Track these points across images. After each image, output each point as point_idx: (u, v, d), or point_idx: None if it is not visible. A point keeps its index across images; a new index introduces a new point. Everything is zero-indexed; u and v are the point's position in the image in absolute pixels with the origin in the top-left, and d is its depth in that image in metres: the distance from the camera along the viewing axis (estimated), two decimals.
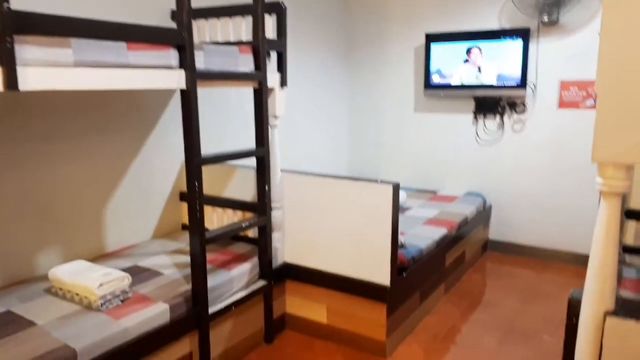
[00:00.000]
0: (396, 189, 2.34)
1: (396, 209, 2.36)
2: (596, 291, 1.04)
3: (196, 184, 2.11)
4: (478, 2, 3.85)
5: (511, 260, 3.90)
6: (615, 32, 0.89)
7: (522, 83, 3.64)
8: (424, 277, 2.84)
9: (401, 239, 2.69)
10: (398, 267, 2.48)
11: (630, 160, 0.93)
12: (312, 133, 4.16)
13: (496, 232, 4.06)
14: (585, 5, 3.42)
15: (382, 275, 2.40)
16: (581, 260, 3.71)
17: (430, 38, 3.95)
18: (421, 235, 3.03)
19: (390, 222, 2.35)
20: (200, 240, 2.15)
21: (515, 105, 3.82)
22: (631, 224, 2.45)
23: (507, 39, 3.64)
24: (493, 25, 3.80)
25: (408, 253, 2.66)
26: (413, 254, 2.69)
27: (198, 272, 2.17)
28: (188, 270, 2.24)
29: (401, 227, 2.83)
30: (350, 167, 4.70)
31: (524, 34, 3.57)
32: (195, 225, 2.15)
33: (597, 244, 1.03)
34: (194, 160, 2.09)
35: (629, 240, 2.46)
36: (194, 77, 2.03)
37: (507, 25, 3.74)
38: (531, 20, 3.59)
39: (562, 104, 3.64)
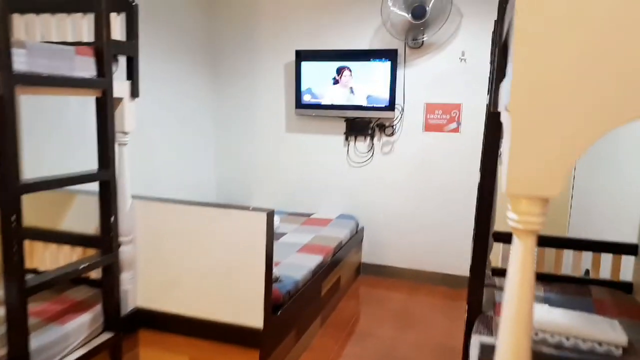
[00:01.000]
0: (270, 216, 2.08)
1: (270, 239, 2.09)
2: (511, 345, 0.87)
3: (13, 217, 1.62)
4: (352, 21, 3.81)
5: (384, 284, 3.86)
6: (530, 53, 0.74)
7: (391, 105, 3.66)
8: (300, 312, 2.60)
9: (275, 271, 2.43)
10: (272, 304, 2.20)
11: (552, 193, 0.78)
12: (171, 152, 3.73)
13: (369, 254, 4.01)
14: (446, 29, 3.55)
15: (254, 317, 2.10)
16: (450, 281, 3.80)
17: (301, 55, 3.81)
18: (296, 264, 2.80)
19: (263, 255, 2.07)
20: (19, 290, 1.65)
21: (384, 127, 3.83)
22: (497, 245, 2.49)
23: (376, 61, 3.64)
24: (366, 45, 3.79)
25: (283, 287, 2.40)
26: (288, 288, 2.43)
27: (16, 331, 1.66)
28: (3, 329, 1.72)
29: (275, 257, 2.57)
30: (217, 191, 4.34)
31: (392, 56, 3.60)
32: (12, 270, 1.65)
33: (511, 292, 0.86)
34: (10, 188, 1.61)
35: (495, 262, 2.49)
36: (11, 80, 1.57)
37: (379, 46, 3.75)
38: (400, 42, 3.64)
39: (428, 127, 3.73)
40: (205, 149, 4.16)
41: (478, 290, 2.23)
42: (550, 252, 2.63)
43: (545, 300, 2.27)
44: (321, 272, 2.93)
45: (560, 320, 1.98)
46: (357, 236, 3.80)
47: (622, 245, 2.45)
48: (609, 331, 1.88)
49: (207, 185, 4.23)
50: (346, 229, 3.61)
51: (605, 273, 2.47)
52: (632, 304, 2.25)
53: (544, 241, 2.66)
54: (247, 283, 2.10)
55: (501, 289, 2.36)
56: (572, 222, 3.70)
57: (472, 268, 2.25)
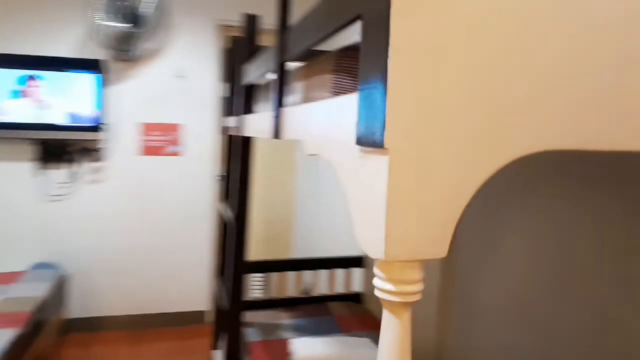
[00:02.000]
0: None
1: None
2: None
3: None
4: (46, 22, 3.02)
5: (102, 339, 3.19)
6: (408, 84, 0.53)
7: (97, 125, 3.06)
8: None
9: None
10: None
11: (442, 252, 0.60)
12: None
13: (80, 308, 3.25)
14: (162, 42, 3.20)
15: None
16: (181, 319, 3.43)
17: None
18: None
19: None
20: None
21: (90, 151, 3.18)
22: None
23: (77, 72, 2.99)
24: (66, 52, 3.05)
25: None
26: None
27: None
28: None
29: None
30: None
31: (96, 67, 3.02)
32: None
33: None
34: None
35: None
36: None
37: (85, 55, 3.07)
38: (109, 52, 3.08)
39: (145, 150, 3.29)
40: None
41: (235, 335, 1.98)
42: (285, 275, 2.61)
43: (295, 328, 2.20)
44: (15, 350, 2.15)
45: (320, 351, 1.92)
46: (61, 289, 3.02)
47: (350, 259, 2.62)
48: (364, 352, 1.91)
49: None
50: (45, 282, 2.81)
51: (334, 287, 2.59)
52: (367, 314, 2.41)
53: (275, 266, 2.64)
54: None
55: (252, 325, 2.20)
56: (298, 243, 3.88)
57: (231, 309, 1.99)
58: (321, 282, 2.61)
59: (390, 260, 0.59)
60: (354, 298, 2.59)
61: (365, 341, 1.99)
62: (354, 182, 0.66)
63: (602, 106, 0.63)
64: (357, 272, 2.62)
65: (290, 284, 2.62)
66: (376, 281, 0.63)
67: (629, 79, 0.64)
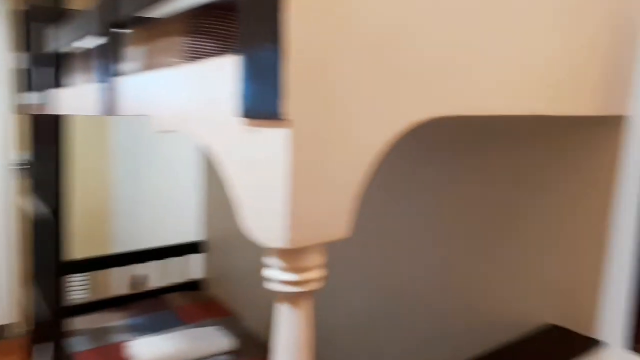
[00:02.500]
0: None
1: None
2: None
3: None
4: None
5: None
6: (309, 46, 0.48)
7: None
8: None
9: None
10: None
11: (346, 232, 0.56)
12: None
13: None
14: None
15: None
16: None
17: None
18: None
19: None
20: None
21: None
22: None
23: None
24: None
25: None
26: None
27: None
28: None
29: None
30: None
31: None
32: None
33: None
34: None
35: None
36: None
37: None
38: None
39: None
40: None
41: (59, 347, 1.70)
42: (111, 272, 2.34)
43: (131, 328, 1.99)
44: None
45: (164, 350, 1.76)
46: None
47: (184, 246, 2.46)
48: (213, 341, 1.82)
49: None
50: None
51: (170, 277, 2.41)
52: (210, 301, 2.30)
53: (99, 263, 2.35)
54: None
55: (78, 332, 1.90)
56: (119, 235, 3.50)
57: (52, 318, 1.68)
58: (153, 274, 2.40)
59: (295, 248, 0.52)
60: (192, 286, 2.45)
61: (212, 330, 1.90)
62: (237, 162, 0.57)
63: (488, 72, 0.65)
64: (193, 259, 2.48)
65: (119, 281, 2.36)
66: (272, 273, 0.55)
67: (507, 46, 0.67)
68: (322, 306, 1.54)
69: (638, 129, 0.98)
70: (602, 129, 1.03)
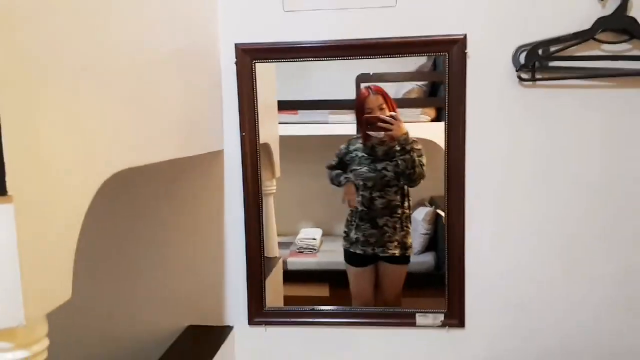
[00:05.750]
0: None
1: None
2: None
3: None
4: None
5: None
6: (21, 121, 0.56)
7: None
8: None
9: None
10: None
11: (67, 295, 0.61)
12: None
13: None
14: None
15: None
16: None
17: None
18: None
19: None
20: None
21: None
22: None
23: None
24: None
25: None
26: None
27: None
28: None
29: None
30: None
31: None
32: None
33: None
34: None
35: None
36: None
37: None
38: None
39: None
40: None
41: None
42: None
43: None
44: None
45: None
46: None
47: None
48: None
49: None
50: None
51: None
52: None
53: None
54: None
55: None
56: None
57: None
58: None
59: (26, 324, 0.52)
60: None
61: None
62: None
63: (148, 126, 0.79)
64: None
65: None
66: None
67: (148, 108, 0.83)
68: None
69: (228, 157, 1.32)
70: (209, 158, 1.33)
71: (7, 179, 0.48)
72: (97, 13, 0.67)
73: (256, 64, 1.30)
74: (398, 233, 1.53)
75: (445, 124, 1.31)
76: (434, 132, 1.46)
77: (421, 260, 1.68)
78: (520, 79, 1.27)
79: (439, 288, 1.41)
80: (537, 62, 1.26)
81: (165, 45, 0.93)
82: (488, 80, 1.28)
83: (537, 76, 1.27)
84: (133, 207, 1.42)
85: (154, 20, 0.88)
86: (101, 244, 1.43)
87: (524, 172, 1.30)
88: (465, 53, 1.25)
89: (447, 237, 1.34)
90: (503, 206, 1.32)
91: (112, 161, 0.69)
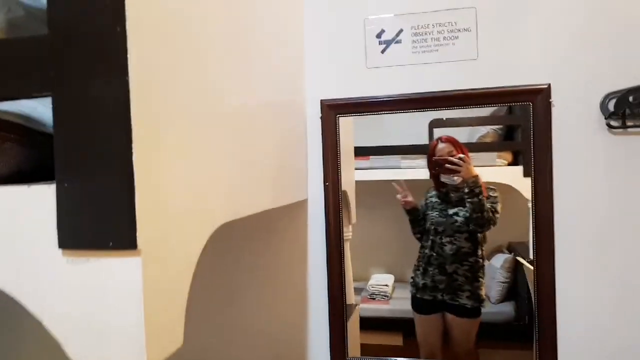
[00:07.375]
0: None
1: None
2: None
3: None
4: None
5: None
6: (153, 176, 0.60)
7: None
8: None
9: None
10: None
11: (179, 343, 0.64)
12: None
13: None
14: None
15: None
16: None
17: None
18: None
19: None
20: None
21: None
22: None
23: None
24: None
25: None
26: None
27: None
28: None
29: None
30: None
31: None
32: None
33: None
34: None
35: None
36: None
37: None
38: None
39: None
40: None
41: None
42: None
43: None
44: None
45: None
46: None
47: None
48: None
49: None
50: None
51: None
52: None
53: None
54: None
55: None
56: None
57: None
58: None
59: None
60: None
61: None
62: (60, 295, 0.56)
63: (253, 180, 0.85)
64: None
65: None
66: None
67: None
68: None
69: (312, 205, 1.36)
70: (295, 208, 1.38)
71: (137, 235, 0.53)
72: (210, 71, 0.74)
73: (340, 117, 1.36)
74: (471, 283, 1.49)
75: (531, 175, 1.29)
76: (511, 176, 1.44)
77: (500, 310, 1.61)
78: (610, 126, 1.24)
79: (520, 340, 1.34)
80: (628, 109, 1.23)
81: (263, 99, 1.00)
82: (574, 128, 1.26)
83: (629, 123, 1.24)
84: (225, 256, 1.49)
85: (255, 77, 0.95)
86: (198, 291, 1.50)
87: (616, 219, 1.25)
88: (550, 102, 1.24)
89: (537, 288, 1.29)
90: (594, 257, 1.26)
91: (220, 213, 0.74)
